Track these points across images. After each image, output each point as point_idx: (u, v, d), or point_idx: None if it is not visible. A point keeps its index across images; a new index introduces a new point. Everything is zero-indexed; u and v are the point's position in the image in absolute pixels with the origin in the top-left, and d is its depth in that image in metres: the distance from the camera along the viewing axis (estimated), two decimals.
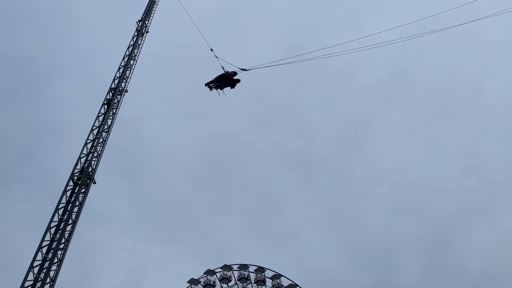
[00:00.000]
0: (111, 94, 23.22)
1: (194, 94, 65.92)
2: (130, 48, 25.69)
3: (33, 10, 62.96)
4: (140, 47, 26.16)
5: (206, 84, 25.44)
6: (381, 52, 67.83)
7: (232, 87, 25.40)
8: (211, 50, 26.23)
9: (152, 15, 28.28)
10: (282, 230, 57.58)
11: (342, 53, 26.55)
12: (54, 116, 58.33)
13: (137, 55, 25.76)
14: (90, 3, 64.89)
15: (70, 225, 18.91)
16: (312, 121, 66.43)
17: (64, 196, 19.29)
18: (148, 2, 28.89)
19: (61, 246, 18.41)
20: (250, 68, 25.46)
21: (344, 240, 57.11)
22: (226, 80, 25.12)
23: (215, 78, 25.22)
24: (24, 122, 56.58)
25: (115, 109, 22.88)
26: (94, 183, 20.43)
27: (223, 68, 25.28)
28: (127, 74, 24.46)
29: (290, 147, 64.86)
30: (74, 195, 19.46)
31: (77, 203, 19.39)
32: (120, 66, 24.65)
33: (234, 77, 25.24)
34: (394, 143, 64.43)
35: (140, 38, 26.33)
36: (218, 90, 25.29)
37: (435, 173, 61.55)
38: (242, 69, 25.29)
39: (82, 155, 20.70)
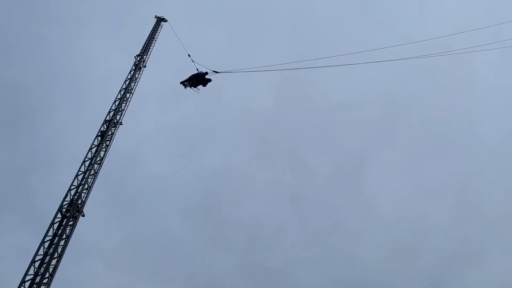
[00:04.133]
0: (105, 126, 23.31)
1: (190, 128, 66.04)
2: (127, 82, 26.08)
3: (36, 40, 63.97)
4: (137, 80, 26.56)
5: (181, 82, 28.63)
6: (375, 90, 69.08)
7: (204, 85, 28.55)
8: (189, 55, 29.14)
9: (150, 50, 28.93)
10: (275, 268, 56.23)
11: (331, 65, 28.11)
12: (49, 146, 58.00)
13: (134, 88, 26.10)
14: (92, 36, 66.15)
15: (56, 259, 18.47)
16: (308, 158, 66.37)
17: (51, 229, 18.94)
18: (147, 38, 29.63)
19: (45, 281, 17.91)
20: (221, 71, 28.44)
21: (338, 279, 55.77)
22: (198, 79, 28.38)
23: (189, 77, 28.51)
24: (19, 151, 56.22)
25: (108, 141, 22.88)
26: (83, 215, 20.10)
27: (197, 69, 28.58)
28: (123, 107, 24.67)
29: (286, 183, 64.43)
30: (62, 227, 19.10)
31: (64, 236, 19.01)
32: (116, 99, 24.90)
33: (206, 77, 28.44)
34: (388, 182, 64.24)
35: (138, 72, 26.79)
36: (192, 88, 28.54)
37: (429, 214, 61.09)
38: (214, 71, 28.45)
39: (72, 187, 20.49)
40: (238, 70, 28.82)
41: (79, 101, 62.71)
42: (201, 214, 59.83)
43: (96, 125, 23.66)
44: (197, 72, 28.57)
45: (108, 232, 53.27)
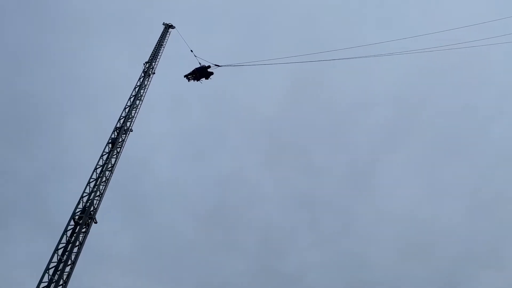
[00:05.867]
0: (116, 133, 23.52)
1: (200, 133, 66.30)
2: (137, 89, 26.29)
3: (45, 48, 64.77)
4: (147, 87, 26.77)
5: (184, 76, 29.74)
6: (386, 90, 68.62)
7: (207, 78, 29.64)
8: (191, 51, 30.31)
9: (159, 57, 29.17)
10: (287, 271, 56.05)
11: (340, 58, 28.50)
12: (61, 154, 58.60)
13: (143, 95, 26.31)
14: (101, 42, 66.83)
15: (69, 266, 18.63)
16: (318, 160, 66.11)
17: (65, 236, 19.12)
18: (156, 45, 29.90)
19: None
20: (222, 65, 29.54)
21: (350, 281, 55.43)
22: (201, 72, 29.52)
23: (193, 71, 29.65)
24: (31, 158, 56.86)
25: (119, 148, 23.06)
26: (95, 222, 20.28)
27: (199, 63, 29.75)
28: (133, 114, 24.86)
29: (296, 186, 64.25)
30: (75, 235, 19.28)
31: (77, 243, 19.18)
32: (126, 106, 25.12)
33: (208, 70, 29.54)
34: (400, 183, 63.75)
35: (147, 79, 27.01)
36: (196, 80, 29.66)
37: (442, 214, 60.45)
38: (215, 65, 29.51)
39: (84, 194, 20.68)
40: (238, 64, 29.83)
41: (90, 108, 63.36)
42: (213, 218, 59.94)
43: (107, 132, 23.90)
44: (199, 65, 29.78)
45: (120, 238, 53.64)
